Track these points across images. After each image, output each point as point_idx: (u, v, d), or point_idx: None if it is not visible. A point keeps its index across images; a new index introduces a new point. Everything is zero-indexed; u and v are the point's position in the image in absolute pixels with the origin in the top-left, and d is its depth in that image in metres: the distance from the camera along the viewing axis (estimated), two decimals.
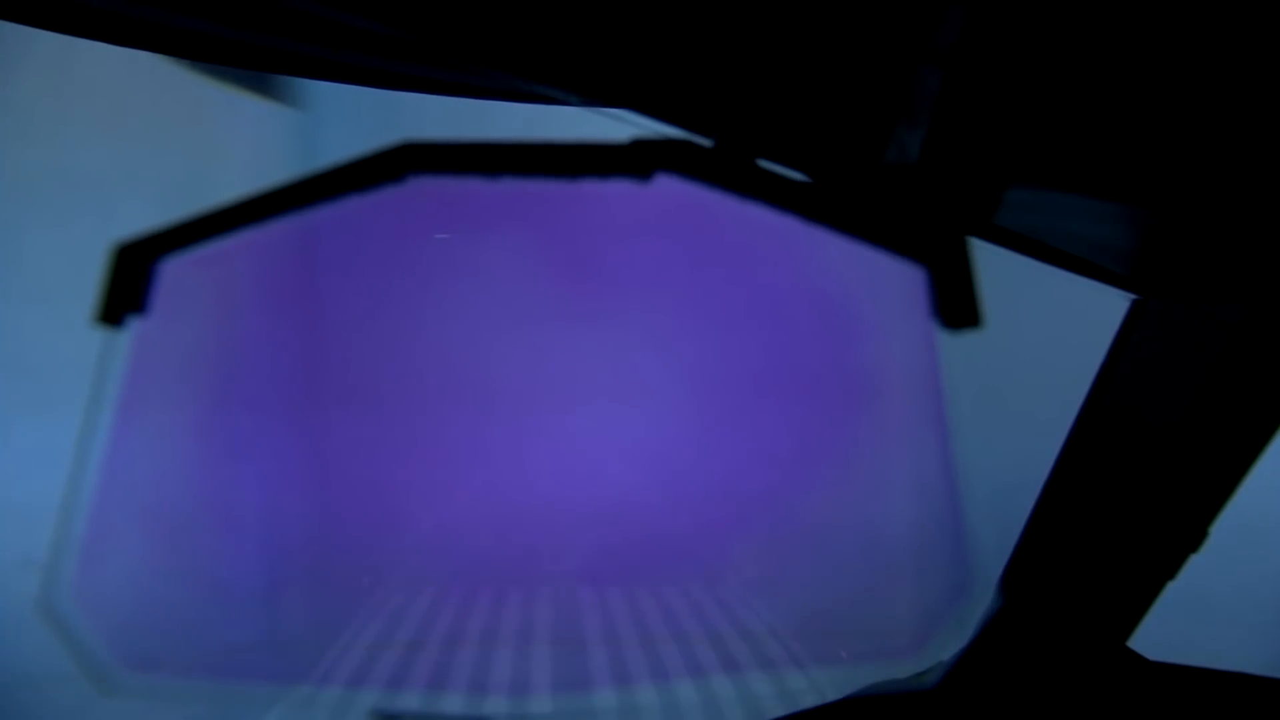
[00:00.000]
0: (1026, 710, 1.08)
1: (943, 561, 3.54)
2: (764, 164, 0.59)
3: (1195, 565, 1.04)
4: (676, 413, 4.15)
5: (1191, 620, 1.74)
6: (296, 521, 3.92)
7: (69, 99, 3.10)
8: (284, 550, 3.86)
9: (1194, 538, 1.03)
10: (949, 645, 1.14)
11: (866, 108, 0.63)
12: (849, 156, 0.66)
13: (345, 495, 3.98)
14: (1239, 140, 0.67)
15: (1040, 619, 1.09)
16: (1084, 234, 0.88)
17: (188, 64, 3.08)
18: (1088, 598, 1.07)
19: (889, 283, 3.68)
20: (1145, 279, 0.99)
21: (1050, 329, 2.85)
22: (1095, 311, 1.02)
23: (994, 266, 0.66)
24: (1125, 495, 1.03)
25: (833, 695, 1.13)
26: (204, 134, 3.66)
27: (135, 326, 0.58)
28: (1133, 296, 1.02)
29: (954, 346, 0.55)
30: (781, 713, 1.09)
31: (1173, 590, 1.06)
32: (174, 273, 0.58)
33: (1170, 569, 1.04)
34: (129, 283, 0.57)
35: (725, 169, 0.58)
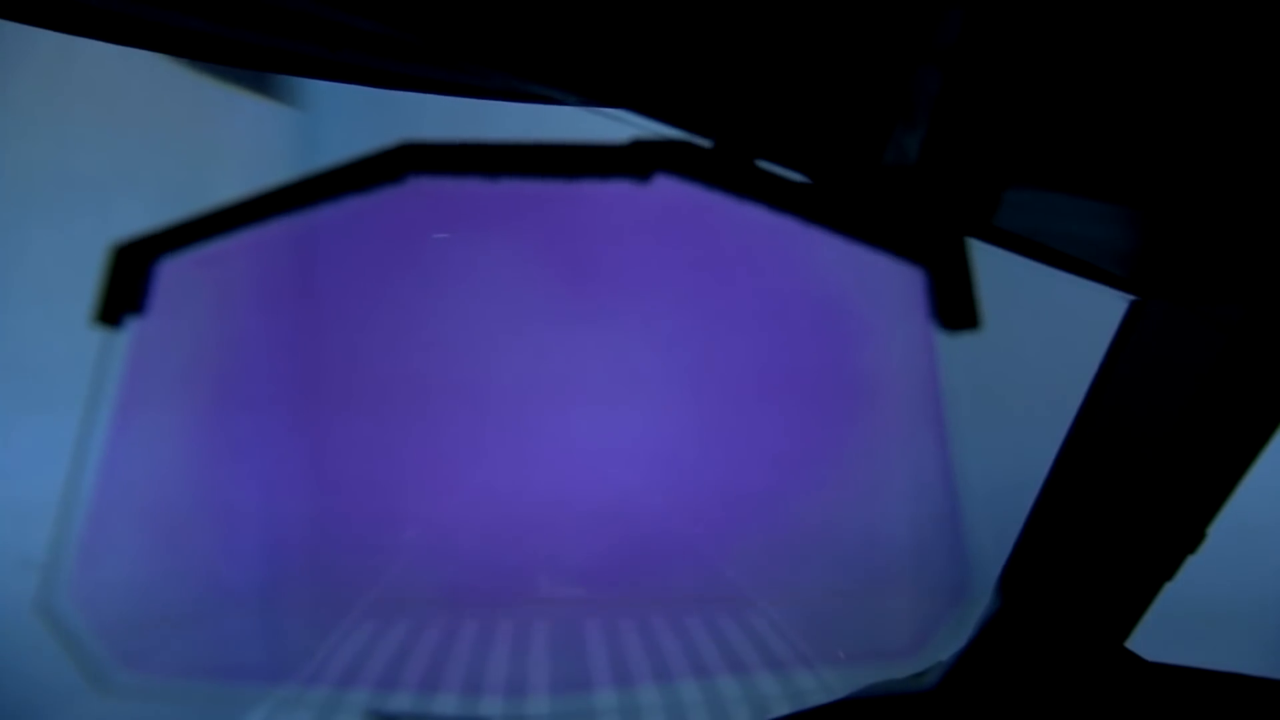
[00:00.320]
0: (1025, 711, 1.08)
1: (941, 562, 3.54)
2: (763, 165, 0.59)
3: (1193, 565, 1.04)
4: (675, 413, 4.14)
5: (1190, 620, 1.74)
6: (295, 521, 3.92)
7: (68, 98, 3.09)
8: (282, 550, 3.86)
9: (1192, 538, 1.03)
10: (947, 646, 1.14)
11: (865, 108, 0.63)
12: (848, 157, 0.66)
13: (343, 495, 3.98)
14: (1237, 141, 0.67)
15: (1038, 619, 1.09)
16: (1083, 235, 0.88)
17: (187, 63, 3.08)
18: (1086, 598, 1.07)
19: (888, 284, 3.68)
20: (1143, 280, 0.99)
21: (1048, 330, 2.86)
22: (1093, 313, 1.02)
23: (993, 268, 0.66)
24: (1123, 496, 1.03)
25: (831, 695, 1.13)
26: (203, 133, 3.65)
27: (134, 326, 0.58)
28: (1131, 297, 1.02)
29: (953, 348, 0.55)
30: (781, 712, 1.09)
31: (1171, 590, 1.06)
32: (173, 273, 0.58)
33: (1168, 569, 1.04)
34: (127, 283, 0.57)
35: (724, 169, 0.58)
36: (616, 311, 4.11)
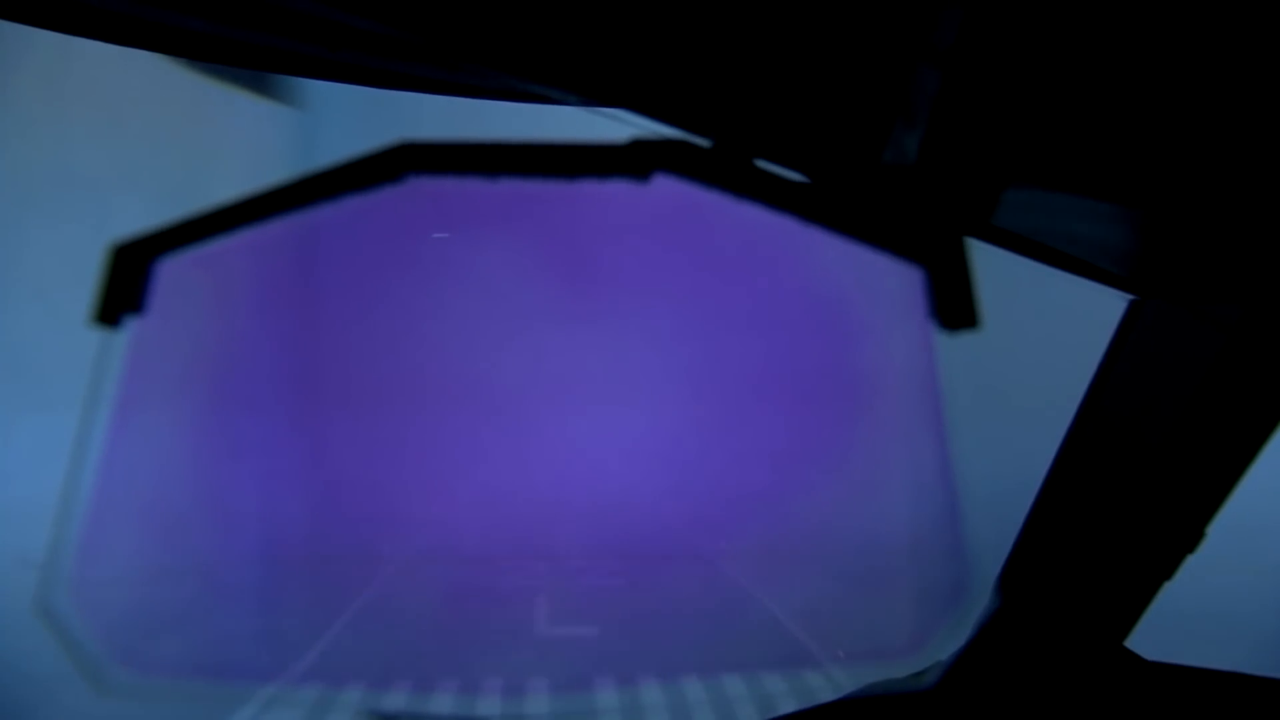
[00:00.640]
0: (1024, 710, 1.08)
1: (940, 561, 3.54)
2: (762, 164, 0.59)
3: (1192, 565, 1.04)
4: (674, 413, 4.15)
5: (1190, 620, 1.74)
6: (294, 521, 3.92)
7: (68, 98, 3.09)
8: (281, 549, 3.86)
9: (1191, 538, 1.03)
10: (947, 645, 1.14)
11: (864, 108, 0.63)
12: (847, 157, 0.66)
13: (342, 494, 3.98)
14: (1236, 142, 0.67)
15: (1038, 619, 1.09)
16: (1082, 234, 0.88)
17: (186, 63, 3.08)
18: (1085, 598, 1.07)
19: (887, 283, 3.68)
20: (1143, 280, 0.99)
21: (1048, 330, 2.86)
22: (1093, 312, 1.02)
23: (992, 267, 0.66)
24: (1123, 495, 1.03)
25: (831, 695, 1.13)
26: (202, 133, 3.65)
27: (133, 326, 0.58)
28: (1130, 297, 1.02)
29: (952, 347, 0.55)
30: (780, 712, 1.09)
31: (1170, 590, 1.06)
32: (172, 272, 0.58)
33: (1168, 569, 1.04)
34: (126, 283, 0.57)
35: (723, 169, 0.58)
36: (616, 311, 4.12)
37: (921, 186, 0.65)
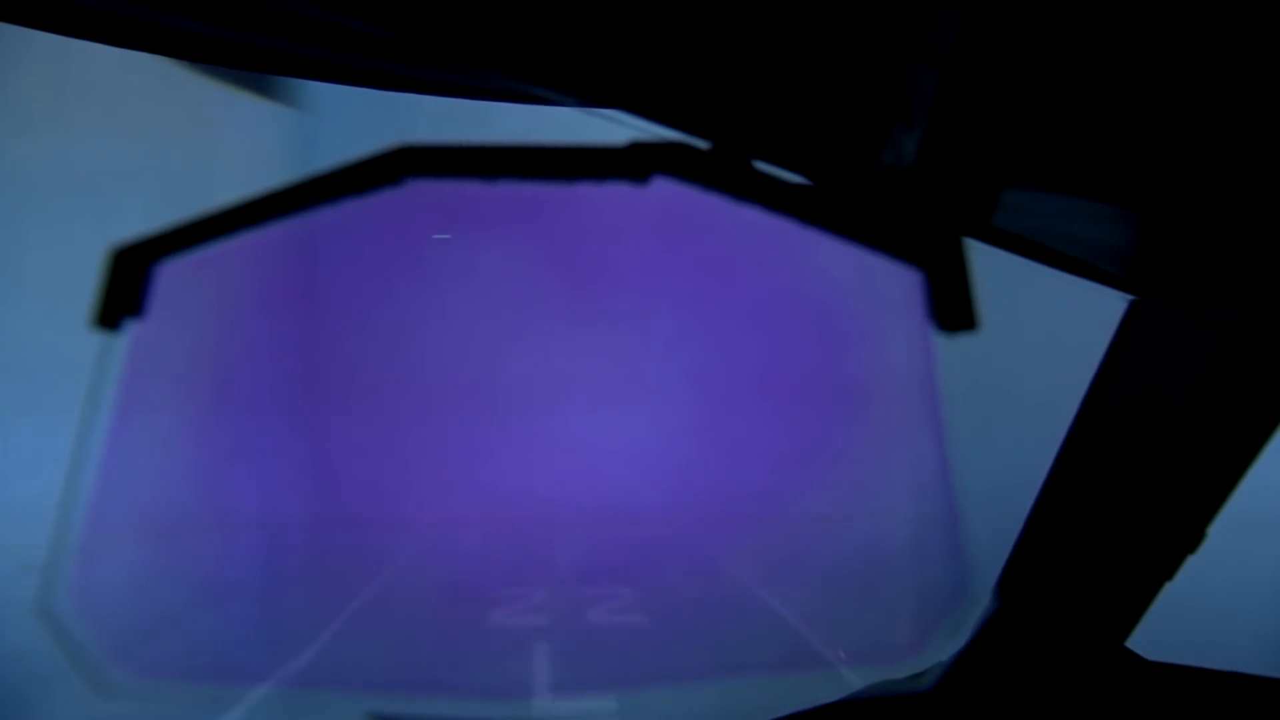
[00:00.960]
0: (1025, 711, 1.08)
1: (940, 562, 3.54)
2: (761, 166, 0.59)
3: (1193, 565, 1.04)
4: (674, 413, 4.14)
5: (1189, 620, 1.74)
6: (293, 522, 3.92)
7: (68, 99, 3.09)
8: (281, 550, 3.86)
9: (1192, 538, 1.03)
10: (946, 646, 1.14)
11: (863, 110, 0.63)
12: (845, 159, 0.66)
13: (342, 495, 3.98)
14: (1236, 143, 0.67)
15: (1038, 620, 1.09)
16: (1082, 236, 0.88)
17: (187, 64, 3.08)
18: (1086, 598, 1.07)
19: (886, 285, 3.68)
20: (1143, 280, 0.99)
21: (1047, 331, 2.86)
22: (1093, 313, 1.02)
23: (991, 268, 0.66)
24: (1123, 496, 1.03)
25: (831, 696, 1.13)
26: (203, 134, 3.66)
27: (133, 329, 0.58)
28: (1130, 298, 1.02)
29: (950, 349, 0.55)
30: (780, 713, 1.09)
31: (1171, 590, 1.06)
32: (172, 275, 0.58)
33: (1168, 569, 1.04)
34: (126, 287, 0.57)
35: (722, 171, 0.57)
36: (615, 313, 4.12)
37: (920, 188, 0.65)
